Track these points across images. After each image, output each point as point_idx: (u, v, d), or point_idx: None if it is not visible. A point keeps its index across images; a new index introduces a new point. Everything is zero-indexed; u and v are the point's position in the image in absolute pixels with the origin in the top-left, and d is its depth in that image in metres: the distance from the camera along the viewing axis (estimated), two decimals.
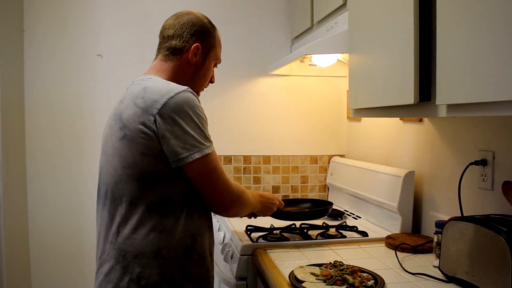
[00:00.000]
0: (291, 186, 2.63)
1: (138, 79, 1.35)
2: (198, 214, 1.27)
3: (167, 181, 1.20)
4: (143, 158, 1.17)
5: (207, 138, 1.21)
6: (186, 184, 1.22)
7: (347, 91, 1.77)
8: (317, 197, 2.64)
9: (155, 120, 1.16)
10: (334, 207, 2.32)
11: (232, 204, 1.29)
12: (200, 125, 1.19)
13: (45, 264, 2.41)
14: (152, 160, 1.18)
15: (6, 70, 2.20)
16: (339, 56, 2.24)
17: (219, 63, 1.50)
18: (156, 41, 2.45)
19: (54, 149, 2.40)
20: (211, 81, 1.50)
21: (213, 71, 1.48)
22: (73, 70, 2.41)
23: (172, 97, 1.17)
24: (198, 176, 1.21)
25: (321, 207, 1.92)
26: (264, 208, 1.59)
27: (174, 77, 1.36)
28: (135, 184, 1.20)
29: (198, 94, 1.44)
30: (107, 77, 2.44)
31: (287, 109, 2.61)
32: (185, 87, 1.21)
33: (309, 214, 1.87)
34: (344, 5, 1.78)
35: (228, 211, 1.30)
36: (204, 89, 1.50)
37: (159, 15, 2.47)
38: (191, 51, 1.36)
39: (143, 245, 1.19)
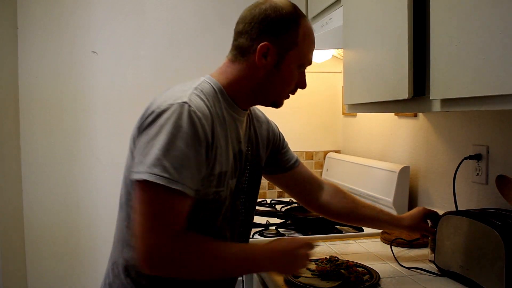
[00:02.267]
0: None
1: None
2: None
3: None
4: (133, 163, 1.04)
5: (160, 165, 0.92)
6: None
7: (342, 86, 1.78)
8: None
9: (138, 126, 1.02)
10: None
11: (147, 260, 0.93)
12: (165, 148, 0.93)
13: (41, 262, 2.40)
14: None
15: (0, 68, 2.19)
16: (334, 52, 2.24)
17: (308, 64, 1.16)
18: (151, 38, 2.47)
19: (49, 146, 2.39)
20: (300, 87, 1.17)
21: (300, 74, 1.14)
22: (68, 67, 2.40)
23: (160, 105, 0.98)
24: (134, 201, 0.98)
25: None
26: (276, 266, 1.10)
27: (238, 82, 1.11)
28: (125, 189, 1.10)
29: (279, 103, 1.17)
30: (102, 74, 2.43)
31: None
32: (184, 99, 0.98)
33: (327, 220, 1.83)
34: (338, 1, 1.77)
35: (142, 266, 0.94)
36: (290, 95, 1.18)
37: (154, 12, 2.47)
38: (258, 51, 1.07)
39: (118, 255, 1.11)
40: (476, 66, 0.91)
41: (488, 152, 1.42)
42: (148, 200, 0.94)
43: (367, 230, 1.80)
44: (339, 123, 2.68)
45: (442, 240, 1.31)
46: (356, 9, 1.51)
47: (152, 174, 0.91)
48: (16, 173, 2.34)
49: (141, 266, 0.94)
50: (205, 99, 1.03)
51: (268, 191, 2.60)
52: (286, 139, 2.81)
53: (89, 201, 2.43)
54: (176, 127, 0.94)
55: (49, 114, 2.39)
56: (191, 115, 0.96)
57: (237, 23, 1.13)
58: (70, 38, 2.39)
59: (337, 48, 1.89)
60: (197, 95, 1.02)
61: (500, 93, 0.85)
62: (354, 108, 1.63)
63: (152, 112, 0.98)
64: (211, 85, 1.09)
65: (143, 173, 0.92)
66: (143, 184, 0.93)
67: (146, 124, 0.98)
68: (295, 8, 1.11)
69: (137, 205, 0.95)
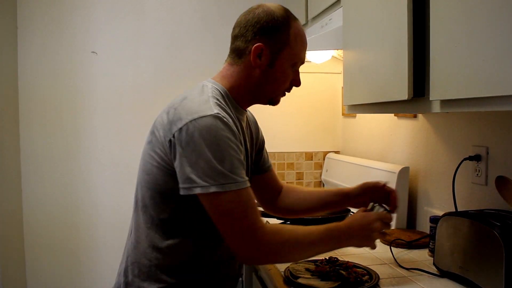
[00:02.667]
0: (286, 182, 2.62)
1: (202, 82, 1.21)
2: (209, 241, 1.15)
3: (179, 200, 1.07)
4: (158, 170, 1.10)
5: (221, 174, 1.01)
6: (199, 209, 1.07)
7: (342, 87, 1.78)
8: None
9: (172, 139, 1.05)
10: None
11: (252, 256, 1.09)
12: (213, 158, 1.00)
13: (40, 261, 2.40)
14: (167, 175, 1.08)
15: (0, 68, 2.19)
16: (334, 53, 2.24)
17: (301, 63, 1.24)
18: (151, 38, 2.47)
19: (49, 146, 2.39)
20: (295, 85, 1.26)
21: (295, 73, 1.23)
22: (68, 67, 2.39)
23: (194, 119, 1.02)
24: (209, 213, 1.06)
25: (339, 214, 1.89)
26: (355, 241, 1.19)
27: (239, 84, 1.19)
28: (148, 193, 1.14)
29: (276, 101, 1.27)
30: (102, 74, 2.43)
31: (282, 105, 2.56)
32: (214, 111, 1.04)
33: (326, 221, 1.83)
34: (338, 1, 1.77)
35: (246, 262, 1.13)
36: (286, 93, 1.27)
37: (154, 12, 2.47)
38: (253, 52, 1.15)
39: (140, 256, 1.15)
40: (476, 67, 0.91)
41: (487, 153, 1.42)
42: (227, 208, 1.03)
43: None
44: (338, 123, 2.69)
45: (441, 241, 1.31)
46: (356, 9, 1.51)
47: (220, 184, 1.00)
48: (15, 173, 2.33)
49: (248, 262, 1.16)
50: (224, 107, 1.11)
51: None
52: (285, 140, 2.82)
53: (88, 201, 2.43)
54: (220, 137, 1.02)
55: (49, 114, 2.39)
56: (226, 123, 1.04)
57: (233, 28, 1.22)
58: (70, 38, 2.39)
59: (337, 49, 1.88)
60: (218, 105, 1.08)
61: (500, 94, 0.85)
62: (354, 108, 1.63)
63: (185, 126, 1.03)
64: (219, 91, 1.16)
65: (209, 186, 1.00)
66: (215, 195, 1.01)
67: (184, 141, 1.02)
68: (286, 11, 1.20)
69: (218, 216, 1.04)
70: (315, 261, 1.35)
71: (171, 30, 2.50)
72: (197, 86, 1.17)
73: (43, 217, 2.39)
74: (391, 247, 1.53)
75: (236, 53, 1.19)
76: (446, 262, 1.28)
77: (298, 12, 2.29)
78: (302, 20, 2.24)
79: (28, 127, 2.37)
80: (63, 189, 2.41)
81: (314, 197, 1.50)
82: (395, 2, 1.21)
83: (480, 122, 1.47)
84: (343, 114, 2.63)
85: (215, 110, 1.05)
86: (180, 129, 1.03)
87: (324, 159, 2.65)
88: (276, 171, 2.61)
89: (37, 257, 2.40)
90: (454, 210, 1.41)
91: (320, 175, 2.66)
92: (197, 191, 1.01)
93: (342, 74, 1.72)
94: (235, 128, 1.07)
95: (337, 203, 1.49)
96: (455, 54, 0.98)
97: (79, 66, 2.41)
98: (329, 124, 2.68)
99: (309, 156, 2.67)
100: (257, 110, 2.78)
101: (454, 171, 1.46)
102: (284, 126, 2.63)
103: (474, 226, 1.18)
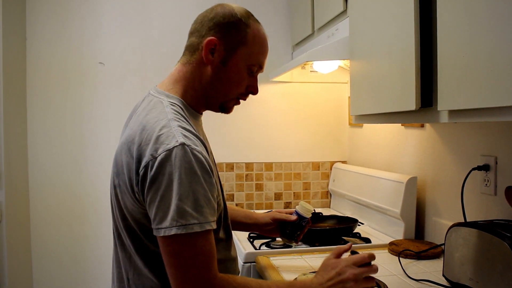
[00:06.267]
0: (293, 192, 2.63)
1: (150, 94, 1.14)
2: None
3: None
4: (134, 210, 1.02)
5: (183, 212, 0.92)
6: None
7: (349, 97, 1.78)
8: (319, 204, 2.64)
9: (141, 179, 0.96)
10: (339, 214, 2.31)
11: None
12: (177, 196, 0.92)
13: (47, 270, 2.40)
14: (143, 215, 1.01)
15: (9, 78, 2.21)
16: (340, 63, 2.24)
17: (258, 69, 1.16)
18: (158, 49, 2.48)
19: (56, 156, 2.40)
20: (251, 92, 1.17)
21: (252, 79, 1.15)
22: (75, 78, 2.42)
23: (159, 155, 0.94)
24: (161, 251, 0.97)
25: (346, 224, 1.88)
26: None
27: (192, 86, 1.11)
28: (132, 235, 1.05)
29: (228, 108, 1.17)
30: (109, 85, 2.45)
31: (288, 115, 2.62)
32: (180, 140, 0.95)
33: (334, 232, 1.83)
34: (344, 11, 1.78)
35: None
36: (241, 101, 1.18)
37: (161, 23, 2.49)
38: (205, 46, 1.08)
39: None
40: (484, 77, 0.91)
41: (496, 162, 1.41)
42: (181, 251, 0.93)
43: (374, 241, 1.79)
44: (345, 133, 2.68)
45: (450, 252, 1.29)
46: (363, 19, 1.52)
47: (181, 226, 0.91)
48: (23, 183, 2.35)
49: None
50: (188, 128, 1.01)
51: (275, 202, 2.60)
52: (292, 150, 2.81)
53: (95, 209, 2.44)
54: (186, 172, 0.93)
55: (57, 123, 2.41)
56: (195, 154, 0.95)
57: (191, 26, 1.15)
58: (78, 49, 2.42)
59: (344, 59, 1.89)
60: (183, 128, 1.00)
61: (508, 104, 0.84)
62: (361, 119, 1.63)
63: (151, 161, 0.94)
64: (177, 105, 1.08)
65: (170, 228, 0.92)
66: (174, 238, 0.92)
67: (152, 176, 0.94)
68: (247, 13, 1.13)
69: (171, 258, 0.95)
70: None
71: (178, 40, 2.51)
72: (152, 105, 1.07)
73: (50, 226, 2.40)
74: (400, 258, 1.52)
75: (190, 49, 1.12)
76: (456, 274, 1.27)
77: (304, 22, 2.30)
78: (308, 30, 2.25)
79: (36, 137, 2.39)
80: (69, 198, 2.42)
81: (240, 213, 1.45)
82: (402, 12, 1.21)
83: (488, 132, 1.46)
84: (350, 124, 2.63)
85: (180, 139, 0.95)
86: (148, 165, 0.94)
87: (331, 169, 2.65)
88: (283, 181, 2.61)
89: (44, 265, 2.41)
90: (463, 220, 1.40)
91: (327, 185, 2.66)
92: (161, 233, 0.93)
93: (349, 84, 1.72)
94: (205, 154, 0.99)
95: (247, 225, 1.44)
96: (463, 63, 0.98)
97: (87, 77, 2.43)
98: (336, 134, 2.68)
99: (316, 166, 2.66)
100: (263, 120, 2.77)
101: (462, 181, 1.45)
102: (291, 136, 2.63)
103: (483, 237, 1.17)
